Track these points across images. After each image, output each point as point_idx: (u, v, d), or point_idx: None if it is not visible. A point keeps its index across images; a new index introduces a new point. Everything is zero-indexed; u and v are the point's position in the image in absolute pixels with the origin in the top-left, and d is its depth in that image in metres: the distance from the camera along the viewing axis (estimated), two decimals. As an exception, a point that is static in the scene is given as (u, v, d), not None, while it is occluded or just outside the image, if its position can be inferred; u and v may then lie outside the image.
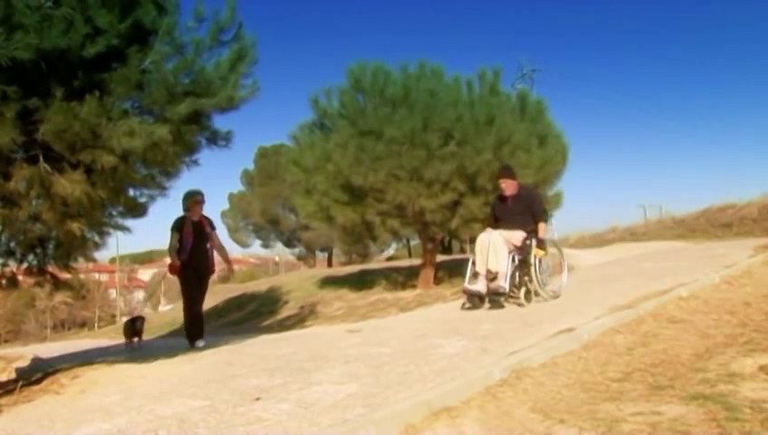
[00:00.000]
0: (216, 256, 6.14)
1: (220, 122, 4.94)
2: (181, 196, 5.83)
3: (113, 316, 32.61)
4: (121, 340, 8.16)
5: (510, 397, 2.67)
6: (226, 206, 30.50)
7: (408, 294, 9.09)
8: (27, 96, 3.60)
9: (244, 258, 42.81)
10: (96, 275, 35.08)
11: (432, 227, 9.47)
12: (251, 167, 29.23)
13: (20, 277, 5.30)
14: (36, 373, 4.90)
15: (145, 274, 46.52)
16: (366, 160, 8.55)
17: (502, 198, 5.97)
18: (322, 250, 31.08)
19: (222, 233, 6.53)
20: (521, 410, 2.49)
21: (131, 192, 4.99)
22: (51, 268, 5.22)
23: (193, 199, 5.86)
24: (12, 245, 5.00)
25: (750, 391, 2.49)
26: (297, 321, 9.46)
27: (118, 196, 4.66)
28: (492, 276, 5.41)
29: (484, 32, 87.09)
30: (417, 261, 12.09)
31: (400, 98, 8.65)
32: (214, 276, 6.26)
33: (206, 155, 9.48)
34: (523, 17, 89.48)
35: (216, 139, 4.97)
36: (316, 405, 2.63)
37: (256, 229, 30.52)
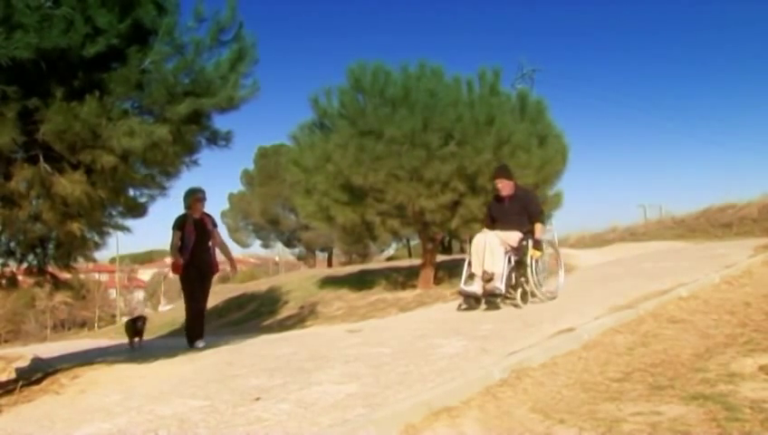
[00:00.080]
0: (219, 255, 6.12)
1: (220, 122, 4.94)
2: (182, 194, 5.81)
3: (113, 316, 32.62)
4: (121, 340, 8.17)
5: (510, 397, 2.67)
6: (226, 206, 30.54)
7: (408, 294, 9.08)
8: (27, 96, 3.60)
9: (244, 258, 42.80)
10: (96, 275, 35.07)
11: (432, 227, 9.47)
12: (251, 167, 29.27)
13: (20, 277, 5.30)
14: (36, 373, 4.90)
15: (145, 274, 46.52)
16: (366, 160, 8.54)
17: (498, 199, 5.94)
18: (322, 250, 31.09)
19: (222, 233, 6.50)
20: (521, 410, 2.49)
21: (131, 192, 4.98)
22: (51, 268, 5.22)
23: (194, 197, 5.82)
24: (12, 245, 4.99)
25: (750, 391, 2.49)
26: (297, 321, 9.45)
27: (118, 196, 4.66)
28: (488, 277, 5.38)
29: (484, 32, 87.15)
30: (417, 261, 12.09)
31: (400, 98, 8.64)
32: (215, 276, 6.21)
33: (206, 155, 9.45)
34: (523, 17, 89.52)
35: (216, 139, 4.97)
36: (316, 405, 2.64)
37: (256, 229, 30.52)
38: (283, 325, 9.27)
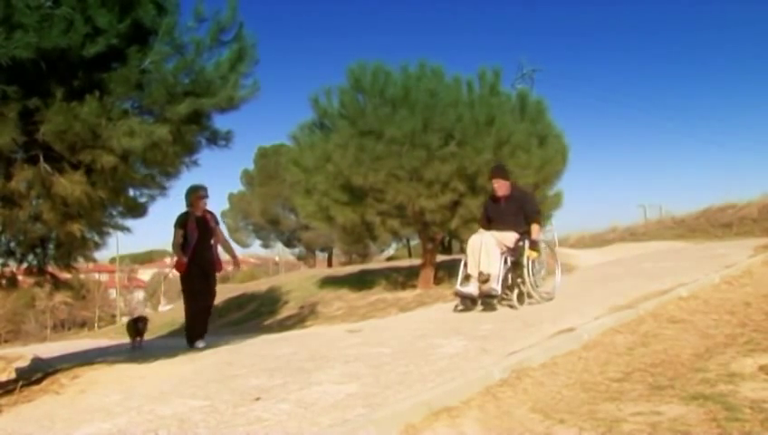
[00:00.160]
0: (221, 252, 6.07)
1: (220, 122, 4.94)
2: (182, 194, 5.78)
3: (113, 316, 32.63)
4: (122, 340, 8.18)
5: (510, 397, 2.67)
6: (226, 206, 30.52)
7: (408, 294, 9.09)
8: (27, 96, 3.60)
9: (244, 258, 42.38)
10: (96, 275, 35.08)
11: (432, 227, 9.47)
12: (251, 167, 29.25)
13: (20, 277, 5.29)
14: (36, 373, 4.89)
15: (145, 274, 46.52)
16: (366, 160, 8.54)
17: (494, 199, 5.89)
18: (322, 250, 31.08)
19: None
20: (521, 410, 2.49)
21: (131, 192, 4.98)
22: (51, 268, 5.21)
23: (196, 194, 5.77)
24: (12, 245, 4.99)
25: (750, 391, 2.49)
26: (297, 321, 9.45)
27: (118, 196, 4.66)
28: (484, 278, 5.33)
29: (484, 32, 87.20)
30: (417, 261, 12.09)
31: (400, 98, 8.64)
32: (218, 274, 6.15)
33: (206, 155, 9.45)
34: (523, 17, 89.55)
35: (216, 139, 4.97)
36: (316, 405, 2.64)
37: (256, 229, 30.51)
38: (283, 325, 9.27)
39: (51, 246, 5.07)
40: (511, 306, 5.38)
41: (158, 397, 3.26)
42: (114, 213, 5.07)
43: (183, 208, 5.85)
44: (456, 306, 5.70)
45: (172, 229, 5.74)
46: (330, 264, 29.61)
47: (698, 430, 2.10)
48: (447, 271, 10.15)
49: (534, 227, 5.64)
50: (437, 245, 10.99)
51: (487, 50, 79.15)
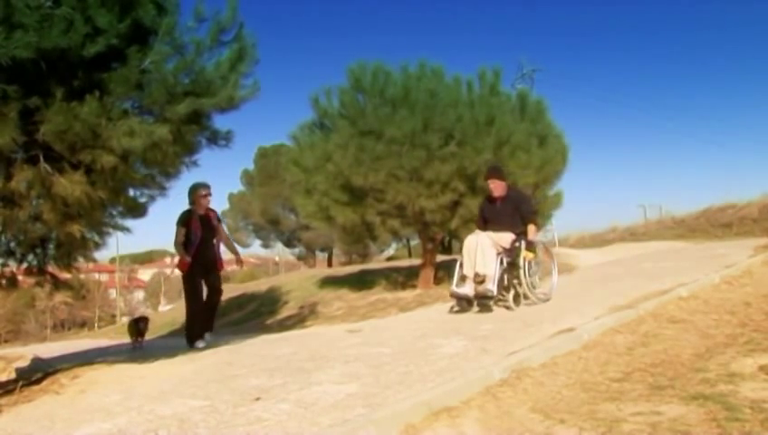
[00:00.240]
0: (224, 251, 6.05)
1: (220, 122, 4.94)
2: (182, 194, 5.77)
3: (113, 316, 32.65)
4: (122, 340, 8.19)
5: (510, 397, 2.67)
6: (226, 206, 30.52)
7: (408, 294, 9.09)
8: (28, 96, 3.60)
9: (244, 258, 42.64)
10: (96, 275, 35.10)
11: (432, 227, 9.47)
12: (251, 167, 29.26)
13: (20, 277, 5.29)
14: (36, 373, 4.89)
15: (145, 274, 46.57)
16: (366, 161, 8.54)
17: (490, 199, 5.86)
18: (322, 250, 31.07)
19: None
20: (521, 410, 2.49)
21: (131, 192, 4.98)
22: (51, 268, 5.21)
23: (199, 192, 5.72)
24: (12, 245, 5.00)
25: (750, 391, 2.49)
26: (297, 321, 9.46)
27: (118, 196, 4.66)
28: (479, 279, 5.29)
29: (484, 32, 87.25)
30: (417, 261, 12.09)
31: (400, 98, 8.64)
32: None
33: (206, 155, 9.48)
34: (523, 17, 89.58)
35: (216, 139, 4.97)
36: (316, 405, 2.64)
37: (256, 229, 30.51)
38: (283, 325, 9.27)
39: (51, 246, 5.07)
40: (507, 307, 5.34)
41: (158, 397, 3.26)
42: (114, 213, 5.07)
43: (183, 208, 5.81)
44: (452, 307, 5.66)
45: (174, 227, 5.68)
46: (330, 264, 29.61)
47: (698, 430, 2.10)
48: (447, 271, 10.13)
49: (531, 228, 5.60)
50: (437, 245, 10.99)
51: (487, 50, 79.32)
